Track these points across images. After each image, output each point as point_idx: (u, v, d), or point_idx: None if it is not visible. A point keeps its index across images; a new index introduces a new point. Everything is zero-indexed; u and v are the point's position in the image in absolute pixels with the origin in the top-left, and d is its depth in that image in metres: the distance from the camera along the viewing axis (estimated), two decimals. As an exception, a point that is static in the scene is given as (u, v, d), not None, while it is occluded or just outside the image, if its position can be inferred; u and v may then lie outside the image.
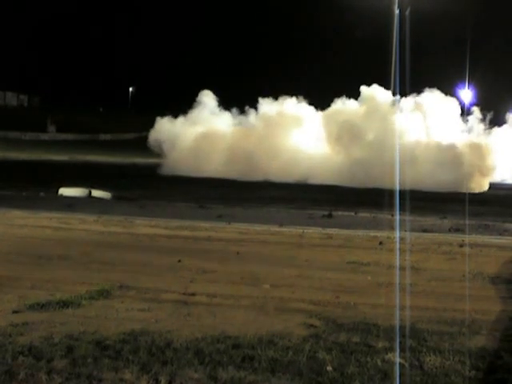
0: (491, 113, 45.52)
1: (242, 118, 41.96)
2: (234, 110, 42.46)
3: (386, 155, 29.14)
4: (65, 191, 22.41)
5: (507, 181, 42.27)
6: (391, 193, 19.47)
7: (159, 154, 41.47)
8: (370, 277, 9.27)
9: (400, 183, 22.21)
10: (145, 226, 14.07)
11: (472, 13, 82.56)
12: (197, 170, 36.59)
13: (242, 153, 37.68)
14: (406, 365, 5.58)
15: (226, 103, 43.08)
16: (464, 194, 24.82)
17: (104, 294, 7.75)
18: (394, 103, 38.54)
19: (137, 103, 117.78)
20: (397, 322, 6.72)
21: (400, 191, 18.89)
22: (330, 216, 17.84)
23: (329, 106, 40.76)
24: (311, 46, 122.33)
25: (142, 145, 49.04)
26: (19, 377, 5.07)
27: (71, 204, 18.71)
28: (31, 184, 25.14)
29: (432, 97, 39.26)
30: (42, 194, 22.12)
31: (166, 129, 42.41)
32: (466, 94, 61.00)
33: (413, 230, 14.53)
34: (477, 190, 33.40)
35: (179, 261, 10.02)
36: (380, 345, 6.05)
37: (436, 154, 35.31)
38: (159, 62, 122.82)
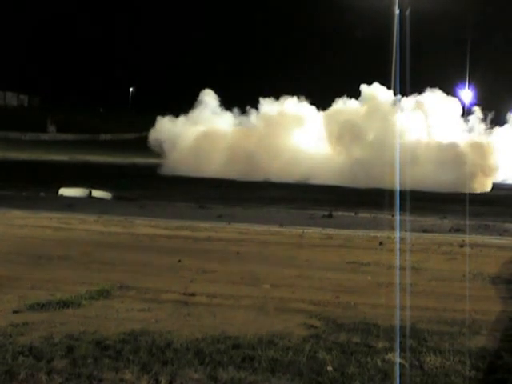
0: (492, 112, 45.51)
1: (242, 118, 41.95)
2: (235, 110, 42.49)
3: (387, 155, 29.11)
4: (65, 191, 22.41)
5: (508, 181, 42.09)
6: (392, 193, 19.47)
7: (159, 153, 41.45)
8: (370, 277, 9.27)
9: (401, 183, 22.20)
10: (145, 226, 14.07)
11: (472, 13, 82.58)
12: (197, 169, 36.55)
13: (242, 153, 37.63)
14: (407, 365, 5.58)
15: (226, 103, 43.10)
16: (465, 194, 24.77)
17: (104, 294, 7.75)
18: (394, 103, 38.52)
19: (137, 103, 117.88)
20: (397, 322, 6.72)
21: (401, 191, 18.89)
22: (330, 216, 17.84)
23: (330, 105, 40.78)
24: (311, 45, 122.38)
25: (142, 145, 49.06)
26: (19, 377, 5.08)
27: (71, 204, 18.71)
28: (31, 184, 25.14)
29: (433, 96, 39.25)
30: (42, 194, 22.13)
31: (167, 128, 42.36)
32: (467, 94, 60.99)
33: (413, 230, 14.52)
34: (479, 191, 33.35)
35: (179, 261, 10.02)
36: (380, 345, 6.05)
37: (437, 154, 35.20)
38: (159, 61, 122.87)
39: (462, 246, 12.52)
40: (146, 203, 20.07)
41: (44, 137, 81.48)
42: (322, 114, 40.56)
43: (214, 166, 37.61)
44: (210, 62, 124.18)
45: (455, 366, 5.59)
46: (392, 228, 14.55)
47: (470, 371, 5.47)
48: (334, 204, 21.54)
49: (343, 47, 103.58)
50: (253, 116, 41.63)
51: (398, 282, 8.76)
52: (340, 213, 18.98)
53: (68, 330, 6.24)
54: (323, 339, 6.20)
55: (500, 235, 14.78)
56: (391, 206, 17.37)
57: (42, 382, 5.03)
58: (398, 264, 9.99)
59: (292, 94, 41.20)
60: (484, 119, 43.48)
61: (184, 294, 7.92)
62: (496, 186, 36.33)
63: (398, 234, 13.50)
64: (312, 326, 6.70)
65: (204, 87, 42.79)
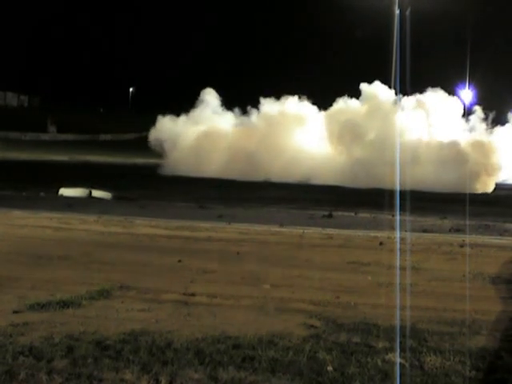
0: (493, 112, 45.43)
1: (243, 118, 41.88)
2: (236, 110, 42.45)
3: (388, 155, 29.08)
4: (65, 191, 22.41)
5: (508, 181, 41.86)
6: (392, 193, 19.47)
7: (160, 153, 41.40)
8: (371, 277, 9.27)
9: (402, 183, 22.19)
10: (145, 226, 14.06)
11: (472, 13, 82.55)
12: (197, 169, 36.49)
13: (243, 152, 37.52)
14: (407, 365, 5.58)
15: (227, 103, 43.06)
16: (466, 194, 24.73)
17: (104, 294, 7.75)
18: (395, 102, 38.48)
19: (137, 103, 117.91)
20: (397, 322, 6.72)
21: (401, 191, 18.89)
22: (330, 216, 17.85)
23: (330, 105, 40.73)
24: (311, 45, 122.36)
25: (142, 145, 49.05)
26: (19, 377, 5.08)
27: (71, 204, 18.71)
28: (31, 184, 25.13)
29: (434, 96, 39.20)
30: (42, 194, 22.12)
31: (168, 128, 42.31)
32: (467, 94, 60.97)
33: (413, 230, 14.52)
34: (481, 190, 33.25)
35: (179, 261, 10.02)
36: (380, 345, 6.05)
37: (439, 153, 35.04)
38: (159, 61, 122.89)
39: (462, 246, 12.52)
40: (146, 203, 20.07)
41: (44, 137, 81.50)
42: (322, 113, 40.53)
43: (214, 166, 37.56)
44: (210, 62, 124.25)
45: (455, 366, 5.60)
46: (392, 228, 14.56)
47: (470, 371, 5.47)
48: (334, 204, 21.55)
49: (343, 47, 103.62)
50: (254, 116, 41.59)
51: (398, 282, 8.76)
52: (340, 213, 18.98)
53: (68, 330, 6.24)
54: (323, 339, 6.20)
55: (500, 235, 14.79)
56: (391, 206, 17.37)
57: (42, 382, 5.03)
58: (398, 264, 9.99)
59: (293, 93, 41.20)
60: (485, 119, 43.44)
61: (184, 294, 7.92)
62: (497, 186, 36.27)
63: (398, 234, 13.51)
64: (312, 326, 6.70)
65: (204, 87, 42.80)
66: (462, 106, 41.52)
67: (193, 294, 7.89)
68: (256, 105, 41.78)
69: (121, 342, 5.89)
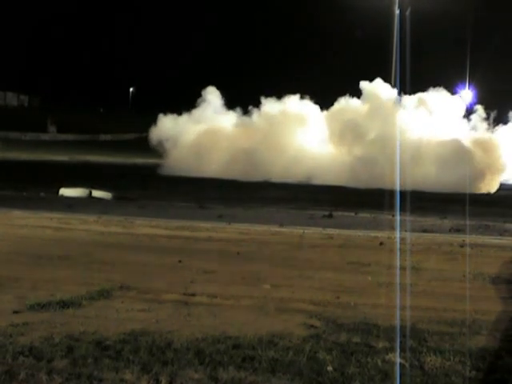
0: (495, 111, 45.33)
1: (245, 118, 41.80)
2: (237, 109, 42.35)
3: (390, 154, 29.03)
4: (65, 191, 22.41)
5: (510, 181, 41.59)
6: (392, 193, 19.48)
7: (160, 153, 41.34)
8: (371, 277, 9.27)
9: (403, 183, 22.16)
10: (145, 227, 14.07)
11: (472, 13, 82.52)
12: (197, 169, 36.40)
13: (244, 152, 37.46)
14: (407, 365, 5.58)
15: (228, 103, 42.99)
16: (469, 194, 24.67)
17: (104, 294, 7.75)
18: (396, 101, 38.40)
19: (137, 103, 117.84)
20: (397, 323, 6.72)
21: (401, 191, 18.89)
22: (330, 216, 17.85)
23: (331, 105, 40.65)
24: (311, 45, 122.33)
25: (142, 145, 49.03)
26: (19, 377, 5.08)
27: (71, 204, 18.72)
28: (31, 184, 25.13)
29: (436, 95, 39.11)
30: (42, 194, 22.13)
31: (168, 127, 42.25)
32: (467, 94, 60.95)
33: (413, 230, 14.53)
34: (484, 190, 33.09)
35: (179, 261, 10.02)
36: (380, 345, 6.05)
37: (440, 152, 34.74)
38: (159, 61, 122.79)
39: (462, 246, 12.52)
40: (146, 203, 20.07)
41: (44, 137, 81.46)
42: (324, 113, 40.46)
43: (214, 166, 37.48)
44: (211, 62, 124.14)
45: (455, 366, 5.59)
46: (392, 228, 14.56)
47: (470, 371, 5.47)
48: (335, 204, 21.54)
49: (343, 47, 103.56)
50: (255, 115, 41.50)
51: (398, 282, 8.76)
52: (340, 213, 18.99)
53: (68, 330, 6.24)
54: (323, 339, 6.20)
55: (500, 235, 14.79)
56: (391, 206, 17.38)
57: (43, 382, 5.03)
58: (398, 264, 9.99)
59: (294, 93, 41.11)
60: (487, 118, 43.33)
61: (184, 294, 7.92)
62: (501, 187, 36.03)
63: (398, 234, 13.51)
64: (312, 326, 6.70)
65: (204, 87, 42.73)
66: (464, 105, 41.46)
67: (193, 294, 7.89)
68: (257, 105, 41.77)
69: (121, 342, 5.89)
